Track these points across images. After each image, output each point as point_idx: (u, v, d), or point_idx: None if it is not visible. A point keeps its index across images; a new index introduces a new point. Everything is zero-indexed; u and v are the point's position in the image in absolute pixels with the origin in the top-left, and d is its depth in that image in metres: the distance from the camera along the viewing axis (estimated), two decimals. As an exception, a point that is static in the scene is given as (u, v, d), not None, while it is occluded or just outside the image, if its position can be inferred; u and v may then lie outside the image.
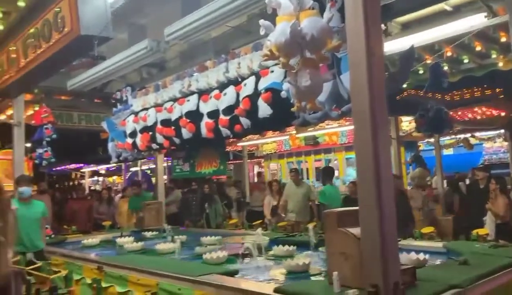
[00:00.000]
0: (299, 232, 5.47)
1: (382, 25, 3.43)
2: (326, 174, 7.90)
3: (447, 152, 15.51)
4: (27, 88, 7.04)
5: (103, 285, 3.87)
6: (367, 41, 2.26)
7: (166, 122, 5.34)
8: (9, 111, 8.33)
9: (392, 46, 5.23)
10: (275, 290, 2.69)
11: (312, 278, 3.28)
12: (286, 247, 4.27)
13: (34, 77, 6.02)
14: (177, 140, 5.28)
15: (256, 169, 22.14)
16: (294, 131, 9.73)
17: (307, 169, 14.03)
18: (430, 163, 11.80)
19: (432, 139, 12.53)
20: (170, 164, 11.70)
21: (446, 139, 14.25)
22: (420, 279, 2.61)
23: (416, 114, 6.27)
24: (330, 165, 13.50)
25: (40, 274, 3.45)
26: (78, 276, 4.31)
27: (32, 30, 5.35)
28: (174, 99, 5.36)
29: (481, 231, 4.33)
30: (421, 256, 3.37)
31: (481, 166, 7.38)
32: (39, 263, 3.98)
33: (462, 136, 13.37)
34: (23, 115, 7.07)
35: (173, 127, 5.23)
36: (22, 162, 7.05)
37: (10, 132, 7.03)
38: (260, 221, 6.94)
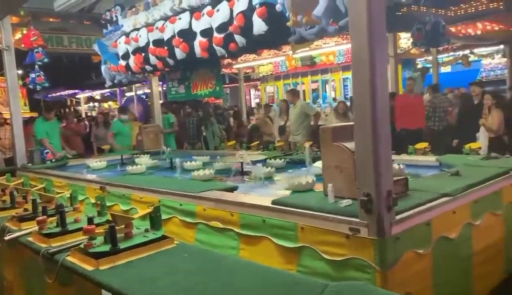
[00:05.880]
0: (296, 151, 5.58)
1: None
2: None
3: (445, 69, 15.37)
4: (12, 9, 6.75)
5: (107, 203, 4.01)
6: None
7: (158, 43, 5.21)
8: (-3, 36, 8.08)
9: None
10: (273, 202, 2.79)
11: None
12: (264, 168, 4.24)
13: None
14: (170, 61, 5.18)
15: (253, 92, 22.02)
16: (291, 52, 9.53)
17: (304, 91, 13.94)
18: (428, 80, 11.74)
19: (430, 57, 12.37)
20: (165, 88, 11.62)
21: (444, 57, 14.07)
22: (412, 189, 2.71)
23: (413, 28, 6.12)
24: (326, 86, 13.44)
25: (46, 194, 3.55)
26: (82, 197, 4.46)
27: None
28: (166, 18, 5.18)
29: (473, 145, 4.42)
30: (399, 166, 3.43)
31: (476, 81, 7.34)
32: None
33: (461, 53, 13.18)
34: (11, 39, 6.86)
35: (166, 48, 5.11)
36: (16, 88, 6.94)
37: (0, 59, 6.86)
38: (258, 141, 7.04)
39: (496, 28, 9.03)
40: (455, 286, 2.69)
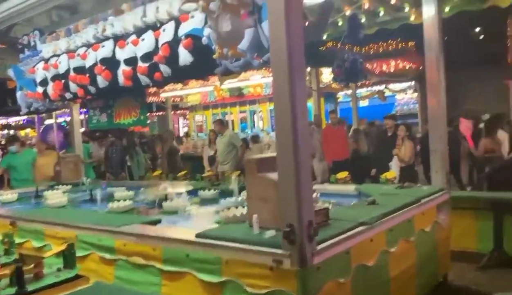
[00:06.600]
0: (224, 181, 5.56)
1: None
2: None
3: (363, 103, 16.37)
4: None
5: (17, 240, 3.70)
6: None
7: (79, 70, 5.01)
8: None
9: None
10: (197, 235, 2.74)
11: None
12: (179, 202, 4.19)
13: None
14: (92, 89, 4.99)
15: (181, 121, 21.85)
16: (218, 82, 9.64)
17: (232, 121, 14.07)
18: (348, 113, 12.42)
19: (349, 92, 13.14)
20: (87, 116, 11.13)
21: (362, 92, 15.01)
22: (333, 218, 2.80)
23: (334, 65, 6.49)
24: (255, 116, 13.68)
25: None
26: (-13, 234, 4.07)
27: None
28: (88, 45, 5.02)
29: (389, 175, 4.70)
30: (316, 195, 3.46)
31: (389, 115, 7.93)
32: None
33: (377, 88, 14.16)
34: None
35: (87, 75, 4.92)
36: None
37: None
38: (185, 171, 6.95)
39: (408, 66, 9.86)
40: (374, 312, 2.79)
